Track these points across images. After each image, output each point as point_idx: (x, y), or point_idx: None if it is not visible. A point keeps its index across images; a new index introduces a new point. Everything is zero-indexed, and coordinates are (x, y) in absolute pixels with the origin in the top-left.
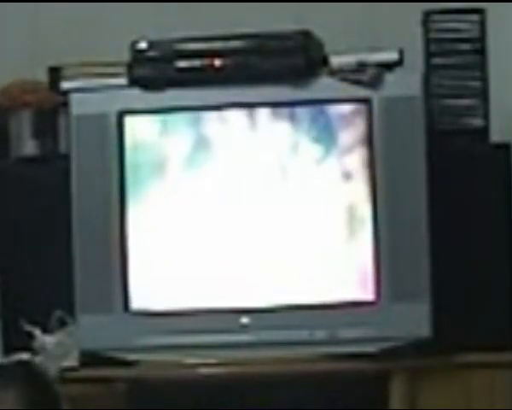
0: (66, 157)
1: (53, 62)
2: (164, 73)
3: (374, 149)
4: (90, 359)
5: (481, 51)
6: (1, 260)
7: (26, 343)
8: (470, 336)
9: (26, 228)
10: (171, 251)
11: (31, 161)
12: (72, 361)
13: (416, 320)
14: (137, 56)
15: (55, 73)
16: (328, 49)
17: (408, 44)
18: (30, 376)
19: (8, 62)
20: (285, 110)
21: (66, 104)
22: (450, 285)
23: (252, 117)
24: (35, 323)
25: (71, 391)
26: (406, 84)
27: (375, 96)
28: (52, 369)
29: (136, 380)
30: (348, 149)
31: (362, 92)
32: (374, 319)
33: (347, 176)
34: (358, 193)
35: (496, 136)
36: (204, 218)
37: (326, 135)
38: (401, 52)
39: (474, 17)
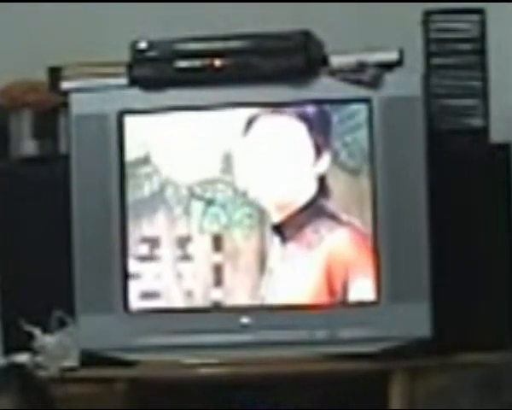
0: (66, 157)
1: (53, 62)
2: (164, 73)
3: (373, 149)
4: (90, 359)
5: (481, 51)
6: (1, 260)
7: (26, 343)
8: (470, 336)
9: (26, 228)
10: (171, 250)
11: (31, 161)
12: (72, 361)
13: (416, 320)
14: (137, 56)
15: (55, 73)
16: (328, 49)
17: (408, 44)
18: (24, 380)
19: (8, 62)
20: (285, 110)
21: (66, 104)
22: (450, 285)
23: (252, 117)
24: (35, 323)
25: (71, 391)
26: (406, 84)
27: (375, 96)
28: (52, 369)
29: (136, 380)
30: (348, 150)
31: (362, 92)
32: (374, 319)
33: (346, 176)
34: (357, 193)
35: (496, 136)
36: (203, 216)
37: (326, 135)
38: (401, 52)
39: (474, 17)
